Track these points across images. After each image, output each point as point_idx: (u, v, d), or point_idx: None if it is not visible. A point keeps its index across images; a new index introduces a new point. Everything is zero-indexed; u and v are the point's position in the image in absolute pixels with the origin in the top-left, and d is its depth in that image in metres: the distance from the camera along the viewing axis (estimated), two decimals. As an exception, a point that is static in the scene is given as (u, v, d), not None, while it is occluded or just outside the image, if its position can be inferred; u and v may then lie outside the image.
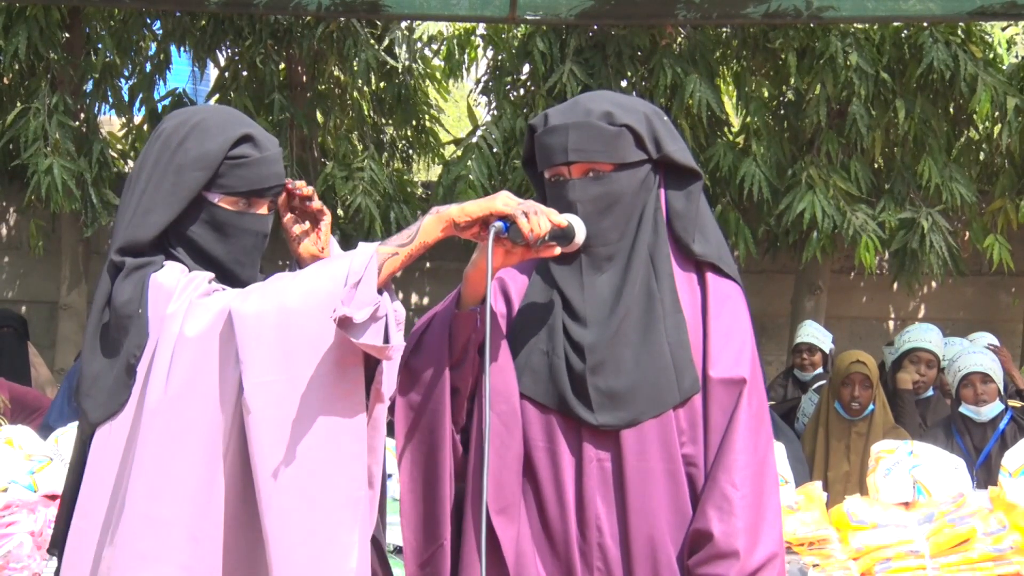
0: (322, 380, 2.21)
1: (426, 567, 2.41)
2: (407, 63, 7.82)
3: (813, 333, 6.93)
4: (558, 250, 2.33)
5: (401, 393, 2.41)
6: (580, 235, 2.35)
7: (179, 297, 2.27)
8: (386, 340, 2.20)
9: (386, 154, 8.10)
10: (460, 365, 2.38)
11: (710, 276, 2.45)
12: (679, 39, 7.61)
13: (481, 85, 8.03)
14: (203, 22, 7.68)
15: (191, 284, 2.29)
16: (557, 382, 2.37)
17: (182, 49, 7.90)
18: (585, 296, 2.40)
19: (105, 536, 2.26)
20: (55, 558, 2.41)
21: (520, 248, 2.29)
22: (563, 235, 2.32)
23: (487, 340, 2.29)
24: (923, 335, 6.24)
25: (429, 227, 2.27)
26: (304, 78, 8.07)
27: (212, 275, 2.34)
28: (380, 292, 2.21)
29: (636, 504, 2.35)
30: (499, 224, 2.26)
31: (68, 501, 2.38)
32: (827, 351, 6.82)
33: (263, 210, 2.43)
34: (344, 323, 2.15)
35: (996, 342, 6.96)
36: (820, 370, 6.77)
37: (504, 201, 2.27)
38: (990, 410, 5.52)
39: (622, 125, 2.40)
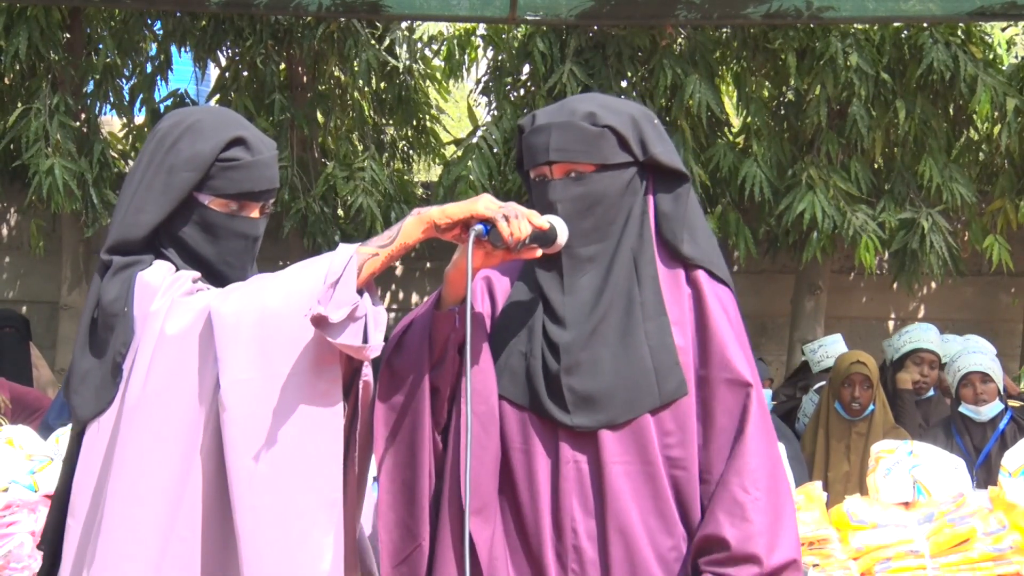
0: (299, 379, 2.21)
1: (401, 567, 2.40)
2: (407, 63, 7.82)
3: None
4: (540, 252, 2.32)
5: (382, 393, 2.40)
6: (562, 237, 2.34)
7: (163, 295, 2.27)
8: (365, 340, 2.20)
9: (387, 154, 8.10)
10: (440, 365, 2.37)
11: (704, 279, 2.42)
12: (679, 40, 7.61)
13: (481, 85, 8.03)
14: (203, 22, 7.69)
15: (176, 283, 2.30)
16: (533, 382, 2.37)
17: (183, 50, 7.90)
18: (565, 297, 2.39)
19: (88, 535, 2.26)
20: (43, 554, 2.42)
21: (500, 251, 2.29)
22: (544, 237, 2.31)
23: (467, 340, 2.29)
24: (924, 335, 6.24)
25: (410, 228, 2.28)
26: (305, 78, 8.07)
27: (198, 274, 2.35)
28: (360, 293, 2.21)
29: (614, 507, 2.33)
30: (479, 227, 2.26)
31: (59, 499, 2.40)
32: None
33: (255, 213, 2.43)
34: (320, 322, 2.15)
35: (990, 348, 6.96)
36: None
37: (485, 204, 2.27)
38: (990, 410, 5.53)
39: (604, 126, 2.38)
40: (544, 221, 2.31)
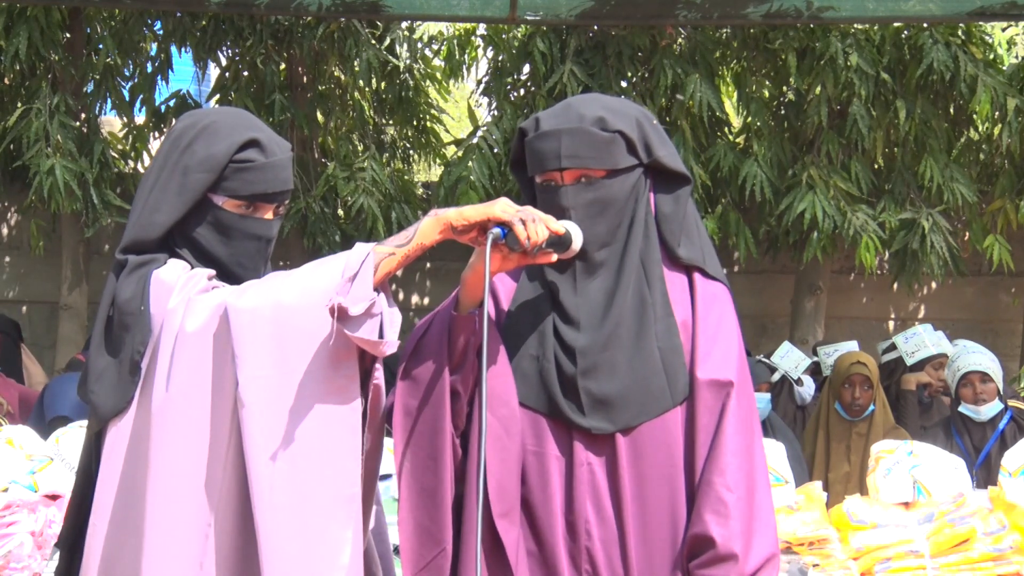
0: (316, 375, 2.22)
1: (423, 572, 2.39)
2: (408, 63, 7.83)
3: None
4: (555, 257, 2.32)
5: (400, 397, 2.40)
6: (577, 242, 2.34)
7: (179, 293, 2.29)
8: (380, 337, 2.20)
9: (387, 154, 8.11)
10: (459, 368, 2.37)
11: (698, 278, 2.45)
12: (679, 39, 7.61)
13: (482, 86, 8.04)
14: (203, 22, 7.69)
15: (191, 280, 2.31)
16: (547, 386, 2.37)
17: (183, 50, 7.90)
18: (578, 299, 2.39)
19: (118, 534, 2.28)
20: (57, 554, 2.43)
21: (517, 254, 2.29)
22: (560, 242, 2.32)
23: (484, 344, 2.29)
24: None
25: (427, 229, 2.28)
26: (305, 78, 8.08)
27: (213, 272, 2.36)
28: (377, 291, 2.22)
29: (631, 509, 2.35)
30: (497, 230, 2.26)
31: (79, 497, 2.40)
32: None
33: (268, 215, 2.44)
34: (339, 314, 2.16)
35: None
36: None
37: (503, 208, 2.27)
38: (989, 409, 5.52)
39: (615, 131, 2.39)
40: (560, 226, 2.31)
